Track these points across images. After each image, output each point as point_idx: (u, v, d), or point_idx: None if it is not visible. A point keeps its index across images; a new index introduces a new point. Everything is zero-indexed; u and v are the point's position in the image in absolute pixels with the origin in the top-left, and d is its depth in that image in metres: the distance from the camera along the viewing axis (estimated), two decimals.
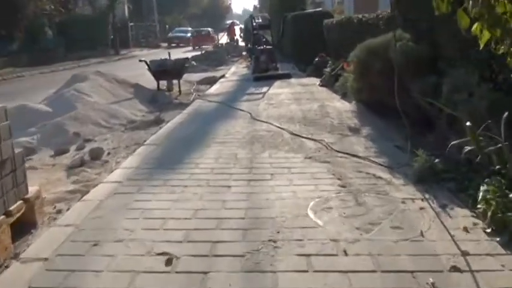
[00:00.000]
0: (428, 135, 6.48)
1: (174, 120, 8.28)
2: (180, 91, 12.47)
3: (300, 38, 16.97)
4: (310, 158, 5.46)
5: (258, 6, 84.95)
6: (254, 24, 14.95)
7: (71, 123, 7.86)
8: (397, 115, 7.54)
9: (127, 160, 5.73)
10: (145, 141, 6.91)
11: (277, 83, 12.62)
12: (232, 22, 37.62)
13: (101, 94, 9.81)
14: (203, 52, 23.69)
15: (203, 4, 67.65)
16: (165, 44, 44.62)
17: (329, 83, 11.01)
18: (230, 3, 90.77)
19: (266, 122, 7.48)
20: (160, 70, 12.13)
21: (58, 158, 6.63)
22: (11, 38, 28.48)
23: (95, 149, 6.36)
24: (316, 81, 12.27)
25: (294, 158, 5.47)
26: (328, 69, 11.51)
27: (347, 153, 5.57)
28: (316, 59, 14.05)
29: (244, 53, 28.47)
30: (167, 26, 51.35)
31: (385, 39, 7.47)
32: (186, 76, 17.20)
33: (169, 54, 14.05)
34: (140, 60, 11.91)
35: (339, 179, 4.69)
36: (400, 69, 7.19)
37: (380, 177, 4.69)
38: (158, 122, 8.61)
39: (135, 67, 23.12)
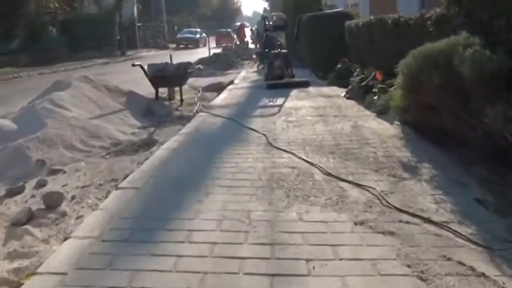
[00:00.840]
0: (509, 175, 4.63)
1: (169, 143, 6.36)
2: (182, 100, 10.56)
3: (317, 41, 14.99)
4: (361, 223, 3.53)
5: (268, 8, 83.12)
6: (267, 24, 12.95)
7: (35, 147, 5.97)
8: (459, 144, 5.65)
9: (86, 221, 3.80)
10: (126, 176, 5.01)
11: (294, 92, 10.70)
12: (241, 24, 35.74)
13: (83, 106, 7.91)
14: (211, 54, 21.76)
15: (213, 5, 65.78)
16: (174, 45, 42.76)
17: (357, 96, 9.06)
18: (240, 5, 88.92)
19: (288, 152, 5.55)
20: (159, 76, 10.22)
21: (7, 201, 4.75)
22: (11, 36, 26.67)
23: (50, 194, 4.45)
24: (340, 91, 10.33)
25: (337, 224, 3.54)
26: (356, 79, 9.54)
27: (414, 215, 3.65)
28: (339, 66, 12.09)
29: (254, 56, 26.62)
30: (176, 27, 49.52)
31: (447, 45, 5.51)
32: (192, 81, 15.33)
33: (170, 57, 12.12)
34: (134, 65, 9.89)
35: (420, 277, 2.76)
36: (470, 85, 5.30)
37: (484, 276, 2.77)
38: (149, 144, 6.73)
39: (138, 69, 21.35)
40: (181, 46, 41.67)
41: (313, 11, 17.96)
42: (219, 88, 13.05)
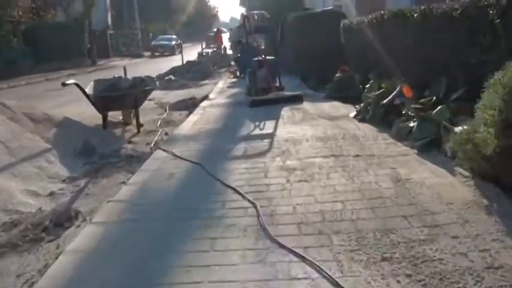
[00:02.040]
0: None
1: (91, 228, 3.56)
2: (139, 127, 7.74)
3: (306, 45, 12.33)
4: None
5: (245, 13, 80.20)
6: (247, 26, 10.09)
7: None
8: None
9: None
10: None
11: (286, 111, 7.99)
12: (218, 29, 32.85)
13: None
14: (185, 63, 18.91)
15: (189, 12, 62.74)
16: (149, 53, 39.75)
17: (375, 118, 6.37)
18: (217, 11, 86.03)
19: (301, 257, 2.81)
20: (106, 97, 7.41)
21: None
22: None
23: None
24: (346, 110, 7.66)
25: None
26: (371, 95, 6.83)
27: None
28: (337, 75, 9.39)
29: (232, 63, 23.83)
30: (151, 34, 46.43)
31: None
32: (161, 95, 12.53)
33: (124, 70, 9.27)
34: (64, 84, 6.91)
35: None
36: None
37: None
38: (64, 223, 3.92)
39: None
40: (157, 54, 38.66)
41: (297, 10, 15.30)
42: (191, 105, 10.27)
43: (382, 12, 8.04)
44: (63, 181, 5.19)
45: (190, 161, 5.13)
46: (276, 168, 4.66)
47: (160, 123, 8.35)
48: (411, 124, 5.31)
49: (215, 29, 35.60)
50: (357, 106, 7.42)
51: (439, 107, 5.13)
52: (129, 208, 3.86)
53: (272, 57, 9.55)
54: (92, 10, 30.78)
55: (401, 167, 4.41)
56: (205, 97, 10.89)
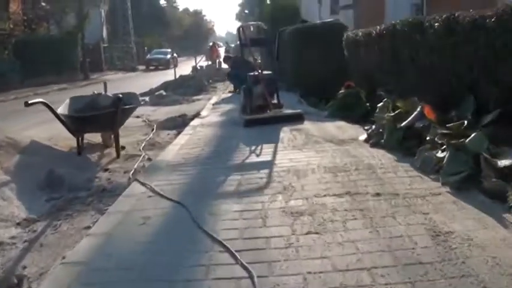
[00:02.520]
0: None
1: None
2: (118, 152, 6.74)
3: (306, 59, 11.42)
4: None
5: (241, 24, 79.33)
6: (242, 38, 9.11)
7: None
8: None
9: None
10: None
11: (286, 132, 7.02)
12: (213, 42, 31.97)
13: None
14: (177, 77, 17.95)
15: (185, 26, 61.99)
16: (143, 67, 38.84)
17: (392, 143, 5.39)
18: (213, 25, 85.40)
19: None
20: (80, 118, 6.42)
21: None
22: None
23: None
24: (353, 131, 6.73)
25: None
26: (385, 116, 5.86)
27: None
28: (342, 92, 8.45)
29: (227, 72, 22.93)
30: (146, 48, 45.55)
31: None
32: (150, 111, 11.58)
33: (105, 85, 8.28)
34: (28, 104, 5.86)
35: None
36: None
37: None
38: None
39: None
40: (152, 67, 37.76)
41: (294, 23, 14.41)
42: (181, 124, 9.31)
43: (393, 22, 7.12)
44: (18, 224, 4.18)
45: (171, 200, 4.13)
46: (277, 212, 3.67)
47: (143, 146, 7.35)
48: (440, 154, 4.33)
49: (211, 43, 34.73)
50: (366, 127, 6.45)
51: (474, 134, 4.16)
52: (85, 276, 2.84)
53: (269, 72, 8.59)
54: (85, 23, 29.86)
55: (436, 212, 3.43)
56: (197, 114, 9.92)
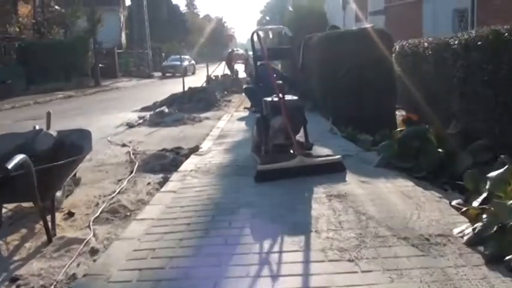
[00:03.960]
0: None
1: None
2: (49, 235, 3.98)
3: (338, 75, 8.63)
4: None
5: (262, 35, 76.05)
6: (257, 48, 6.15)
7: None
8: None
9: None
10: None
11: (321, 203, 4.20)
12: (232, 49, 29.14)
13: None
14: (186, 90, 15.22)
15: (206, 32, 59.45)
16: (159, 74, 36.27)
17: None
18: (233, 32, 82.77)
19: None
20: None
21: None
22: None
23: None
24: (433, 203, 3.91)
25: None
26: None
27: None
28: (401, 129, 5.64)
29: (245, 86, 20.09)
30: (163, 54, 43.03)
31: None
32: (144, 136, 8.92)
33: (48, 117, 5.56)
34: None
35: None
36: None
37: None
38: None
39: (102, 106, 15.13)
40: (168, 74, 35.17)
41: (321, 30, 11.61)
42: (170, 164, 6.55)
43: (495, 27, 4.26)
44: None
45: None
46: None
47: (101, 213, 4.60)
48: None
49: (229, 49, 31.84)
50: (456, 202, 3.70)
51: None
52: None
53: (294, 98, 5.74)
54: (97, 27, 27.39)
55: None
56: (195, 149, 7.12)
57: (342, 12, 29.86)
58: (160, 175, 6.07)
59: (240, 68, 26.64)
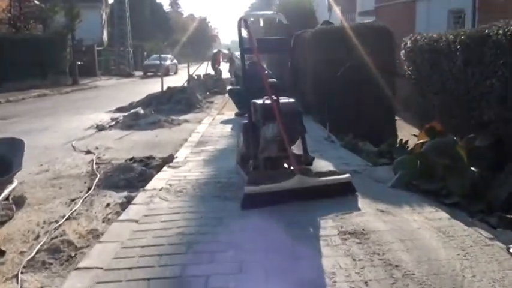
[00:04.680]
0: None
1: None
2: None
3: (334, 75, 7.50)
4: None
5: (247, 36, 74.42)
6: (244, 39, 4.94)
7: None
8: None
9: None
10: None
11: (336, 250, 2.99)
12: (218, 50, 27.80)
13: None
14: (166, 89, 13.92)
15: (189, 32, 57.90)
16: (141, 73, 34.76)
17: None
18: (217, 32, 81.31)
19: None
20: None
21: None
22: None
23: None
24: (481, 248, 2.76)
25: None
26: None
27: None
28: (422, 141, 4.49)
29: (229, 88, 18.85)
30: (145, 53, 41.48)
31: None
32: (113, 141, 7.69)
33: None
34: None
35: None
36: None
37: None
38: None
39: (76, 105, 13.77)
40: (150, 74, 33.65)
41: (310, 26, 10.47)
42: (138, 179, 5.30)
43: None
44: None
45: None
46: None
47: (34, 254, 3.36)
48: None
49: (215, 50, 30.44)
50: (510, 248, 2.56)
51: None
52: None
53: (291, 100, 4.54)
54: (75, 23, 25.85)
55: None
56: (169, 159, 5.88)
57: (328, 14, 28.85)
58: (124, 193, 4.84)
59: (224, 67, 25.42)
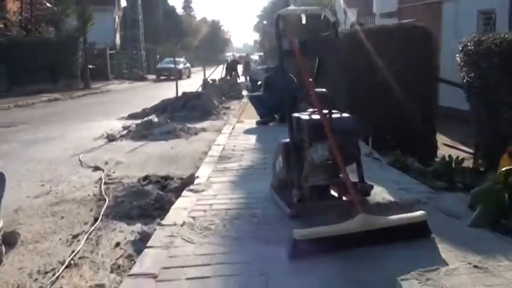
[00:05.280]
0: None
1: None
2: None
3: (368, 83, 6.60)
4: None
5: (259, 39, 73.72)
6: (282, 40, 4.04)
7: None
8: None
9: None
10: None
11: None
12: (234, 58, 26.87)
13: None
14: (180, 94, 13.06)
15: (202, 35, 57.21)
16: (153, 76, 34.01)
17: None
18: (230, 36, 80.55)
19: None
20: None
21: None
22: None
23: None
24: None
25: None
26: None
27: None
28: (507, 168, 3.50)
29: (245, 93, 18.02)
30: (158, 56, 40.73)
31: None
32: (125, 155, 6.82)
33: None
34: None
35: None
36: None
37: None
38: None
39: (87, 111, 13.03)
40: (163, 77, 32.89)
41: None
42: (153, 206, 4.41)
43: None
44: None
45: None
46: None
47: None
48: None
49: (229, 53, 29.51)
50: None
51: None
52: None
53: (346, 116, 3.61)
54: (87, 26, 25.16)
55: None
56: (190, 180, 4.96)
57: (344, 17, 27.88)
58: (138, 226, 3.96)
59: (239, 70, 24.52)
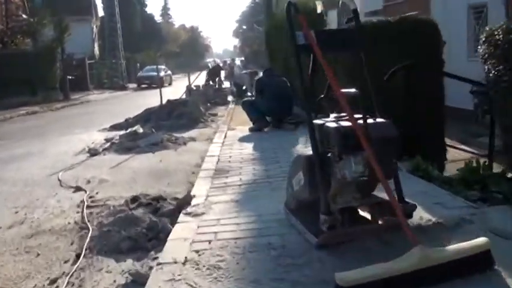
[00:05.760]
0: None
1: None
2: None
3: (385, 81, 5.95)
4: None
5: (238, 45, 72.95)
6: (298, 34, 3.28)
7: None
8: None
9: None
10: None
11: None
12: (217, 64, 26.22)
13: None
14: (165, 102, 12.28)
15: (181, 42, 56.28)
16: (134, 85, 33.06)
17: None
18: (210, 42, 79.75)
19: None
20: None
21: None
22: None
23: None
24: None
25: None
26: None
27: None
28: None
29: (230, 99, 17.31)
30: (138, 64, 39.73)
31: None
32: (109, 170, 6.03)
33: None
34: None
35: None
36: None
37: None
38: None
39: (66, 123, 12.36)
40: (144, 86, 32.01)
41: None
42: (145, 235, 3.65)
43: None
44: None
45: None
46: None
47: None
48: None
49: (210, 59, 28.91)
50: None
51: None
52: None
53: (383, 122, 2.95)
54: (64, 36, 24.21)
55: None
56: (186, 201, 4.21)
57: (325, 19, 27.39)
58: (129, 263, 3.22)
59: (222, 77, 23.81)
